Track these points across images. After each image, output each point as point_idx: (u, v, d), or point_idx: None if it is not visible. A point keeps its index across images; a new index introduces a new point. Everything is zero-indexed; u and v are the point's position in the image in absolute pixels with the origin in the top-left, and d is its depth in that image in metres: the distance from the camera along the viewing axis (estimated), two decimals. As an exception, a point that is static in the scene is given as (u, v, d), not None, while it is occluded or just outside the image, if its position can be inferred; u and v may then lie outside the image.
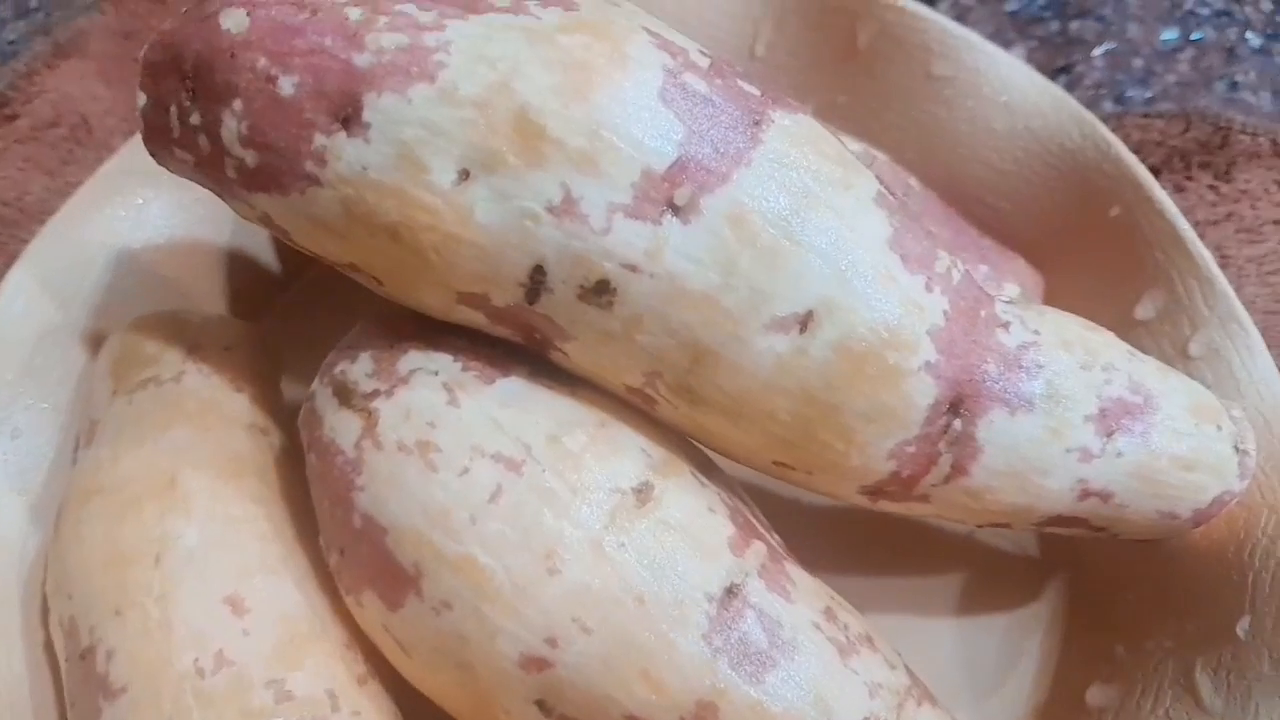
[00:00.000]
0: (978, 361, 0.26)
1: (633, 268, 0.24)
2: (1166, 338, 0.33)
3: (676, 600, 0.25)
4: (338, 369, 0.28)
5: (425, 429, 0.26)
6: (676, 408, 0.26)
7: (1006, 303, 0.28)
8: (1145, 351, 0.32)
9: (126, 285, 0.35)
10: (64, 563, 0.28)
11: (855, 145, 0.36)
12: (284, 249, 0.40)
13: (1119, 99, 0.45)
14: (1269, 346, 0.33)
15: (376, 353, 0.28)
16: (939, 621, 0.34)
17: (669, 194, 0.24)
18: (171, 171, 0.27)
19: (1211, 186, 0.42)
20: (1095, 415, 0.27)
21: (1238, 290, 0.39)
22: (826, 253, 0.24)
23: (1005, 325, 0.27)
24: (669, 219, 0.24)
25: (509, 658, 0.25)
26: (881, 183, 0.27)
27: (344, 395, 0.27)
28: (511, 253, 0.24)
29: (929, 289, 0.25)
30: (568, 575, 0.24)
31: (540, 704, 0.25)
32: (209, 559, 0.27)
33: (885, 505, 0.28)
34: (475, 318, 0.26)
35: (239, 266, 0.38)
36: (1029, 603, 0.34)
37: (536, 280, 0.25)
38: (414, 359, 0.27)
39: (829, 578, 0.28)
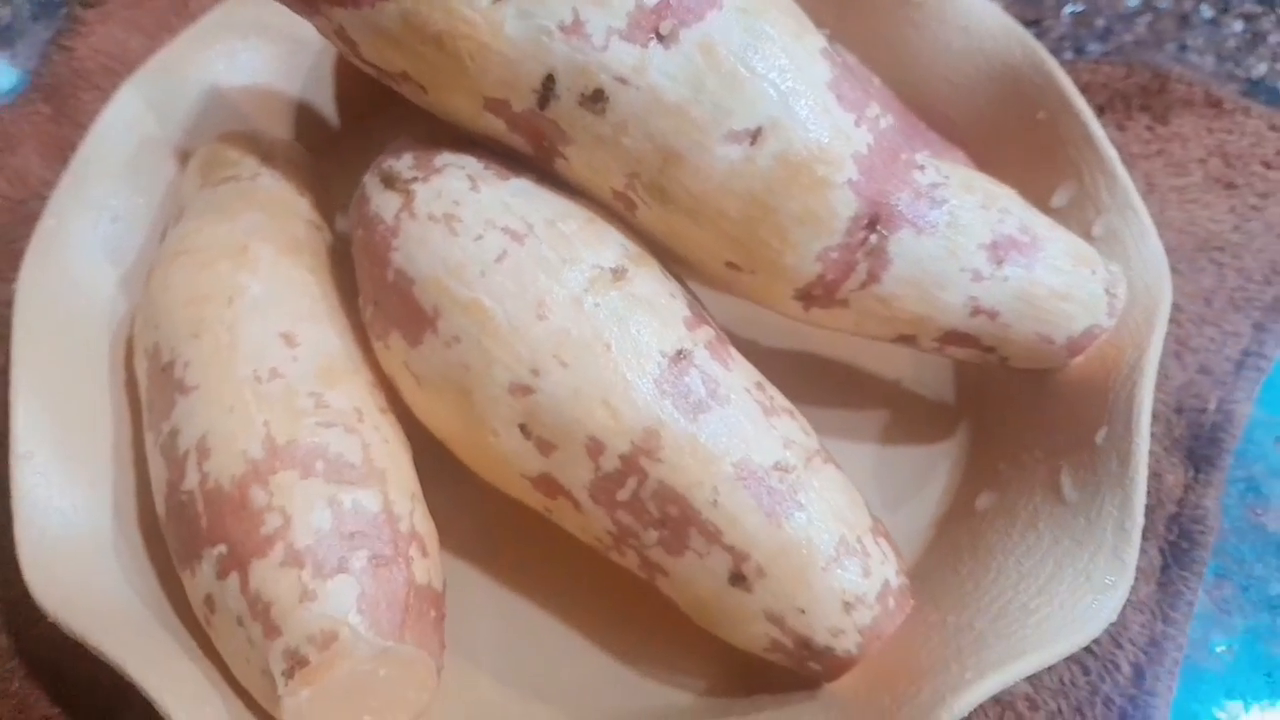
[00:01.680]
0: (894, 189, 0.32)
1: (623, 80, 0.31)
2: (1075, 221, 0.39)
3: (636, 351, 0.31)
4: (385, 163, 0.35)
5: (451, 205, 0.33)
6: (651, 208, 0.33)
7: (927, 156, 0.34)
8: (1057, 233, 0.38)
9: (214, 115, 0.43)
10: (153, 305, 0.35)
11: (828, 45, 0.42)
12: (342, 103, 0.47)
13: (1079, 50, 0.51)
14: (1179, 260, 0.39)
15: (417, 153, 0.35)
16: (862, 446, 0.40)
17: (655, 23, 0.31)
18: (268, -7, 0.34)
19: (1149, 127, 0.48)
20: (988, 245, 0.33)
21: (1160, 213, 0.45)
22: (776, 83, 0.31)
23: (921, 168, 0.33)
24: (654, 43, 0.31)
25: (501, 384, 0.31)
26: (831, 45, 0.33)
27: (389, 180, 0.34)
28: (529, 62, 0.31)
29: (857, 125, 0.32)
30: (552, 321, 0.31)
31: (522, 427, 0.32)
32: (269, 305, 0.34)
33: (816, 314, 0.34)
34: (497, 125, 0.33)
35: (305, 113, 0.45)
36: (941, 439, 0.40)
37: (547, 88, 0.31)
38: (446, 158, 0.34)
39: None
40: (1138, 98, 0.49)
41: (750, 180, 0.31)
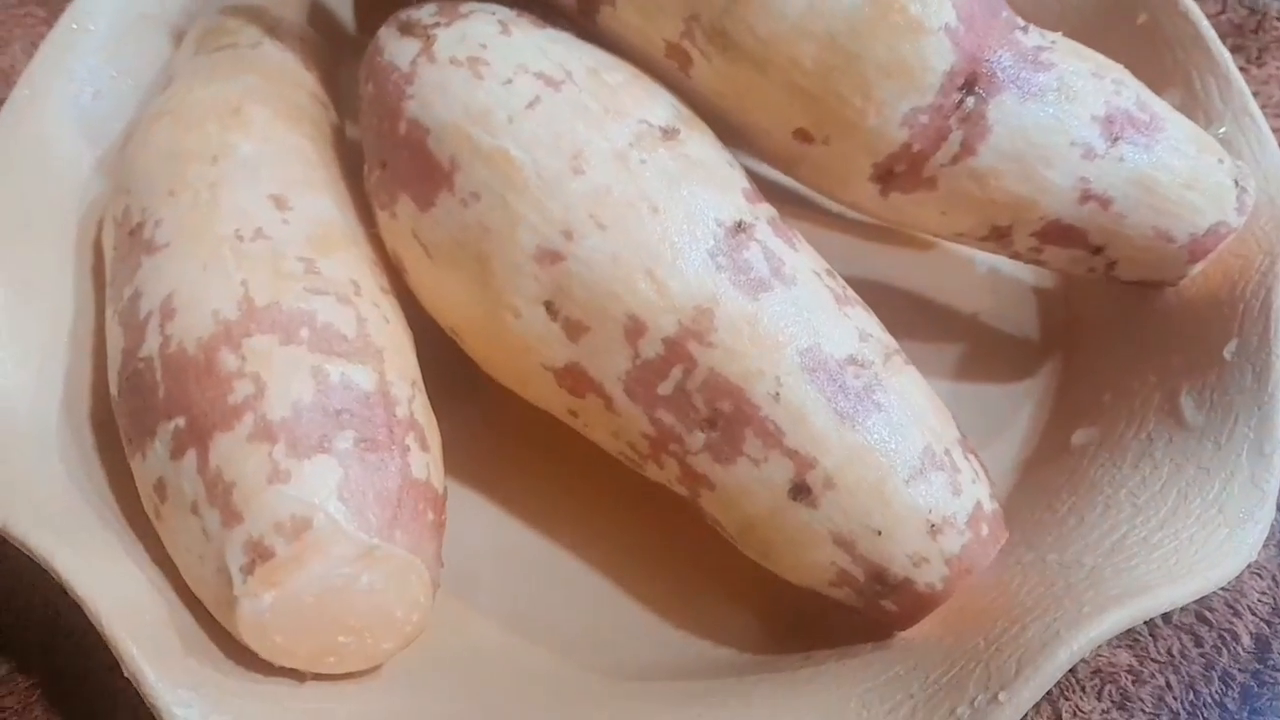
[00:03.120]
0: (995, 45, 0.28)
1: (684, -102, 0.26)
2: (1180, 132, 0.34)
3: (689, 217, 0.26)
4: (404, 13, 0.30)
5: (477, 49, 0.28)
6: (710, 60, 0.28)
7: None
8: (1162, 146, 0.33)
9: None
10: (128, 165, 0.30)
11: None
12: (359, 8, 0.42)
13: (1161, -8, 0.47)
14: None
15: (441, 2, 0.30)
16: (936, 383, 0.34)
17: None
18: None
19: (1242, 69, 0.43)
20: (1102, 118, 0.28)
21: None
22: (865, -96, 0.26)
23: (1024, 29, 0.29)
24: None
25: (526, 250, 0.26)
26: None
27: (407, 28, 0.30)
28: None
29: (955, -36, 0.27)
30: (591, 176, 0.26)
31: (548, 305, 0.27)
32: (260, 166, 0.29)
33: (895, 199, 0.29)
34: (535, -34, 0.29)
35: (316, 8, 0.41)
36: (1024, 378, 0.35)
37: (597, -89, 0.27)
38: (474, 5, 0.30)
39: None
40: (1231, 36, 0.44)
41: (830, 19, 0.27)
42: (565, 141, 0.26)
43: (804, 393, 0.26)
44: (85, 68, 0.36)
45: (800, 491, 0.26)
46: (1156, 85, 0.35)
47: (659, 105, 0.28)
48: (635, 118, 0.27)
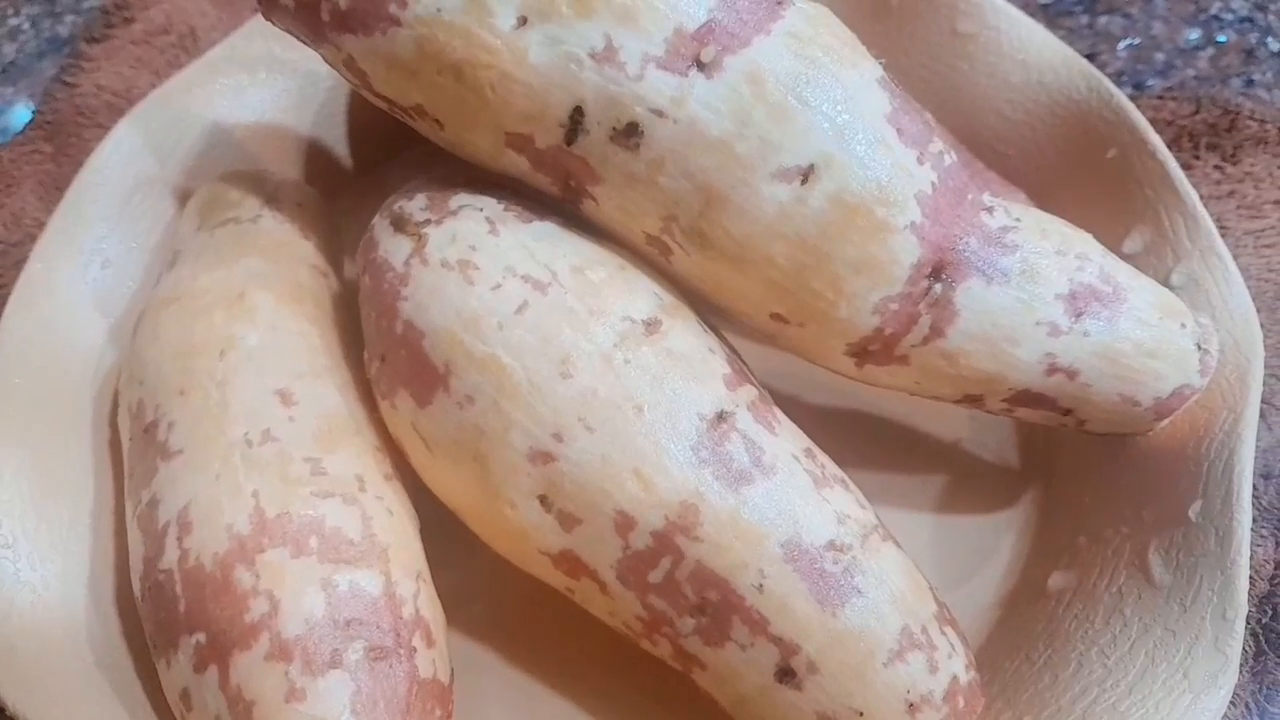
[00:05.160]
0: (960, 233, 0.29)
1: (659, 113, 0.28)
2: (1151, 269, 0.35)
3: (671, 414, 0.28)
4: (396, 205, 0.32)
5: (467, 250, 0.29)
6: (689, 254, 0.30)
7: (995, 197, 0.31)
8: (1131, 281, 0.34)
9: (217, 153, 0.40)
10: (139, 357, 0.32)
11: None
12: (355, 147, 0.44)
13: (1138, 86, 0.48)
14: (1259, 310, 0.35)
15: (431, 193, 0.32)
16: (919, 516, 0.36)
17: (696, 51, 0.28)
18: (274, 22, 0.32)
19: (1217, 167, 0.45)
20: (1066, 295, 0.29)
21: (1236, 258, 0.42)
22: (830, 115, 0.28)
23: (989, 209, 0.30)
24: (694, 73, 0.28)
25: (519, 450, 0.28)
26: (887, 74, 0.30)
27: (399, 223, 0.31)
28: (557, 92, 0.28)
29: (920, 162, 0.29)
30: (578, 380, 0.28)
31: (542, 499, 0.28)
32: (266, 358, 0.31)
33: (870, 370, 0.31)
34: (519, 163, 0.30)
35: (315, 154, 0.43)
36: (1005, 507, 0.36)
37: (576, 121, 0.28)
38: (463, 199, 0.31)
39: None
40: (1206, 135, 0.45)
41: (801, 223, 0.28)
42: (553, 347, 0.28)
43: (786, 583, 0.27)
44: (93, 238, 0.37)
45: (786, 675, 0.27)
46: (1126, 221, 0.36)
47: (641, 298, 0.29)
48: (619, 315, 0.29)
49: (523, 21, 0.28)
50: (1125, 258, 0.36)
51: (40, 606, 0.30)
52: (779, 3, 0.28)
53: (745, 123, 0.28)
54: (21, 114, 0.50)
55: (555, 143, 0.29)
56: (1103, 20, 0.50)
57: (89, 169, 0.37)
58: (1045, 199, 0.39)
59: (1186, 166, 0.45)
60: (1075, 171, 0.38)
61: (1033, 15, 0.50)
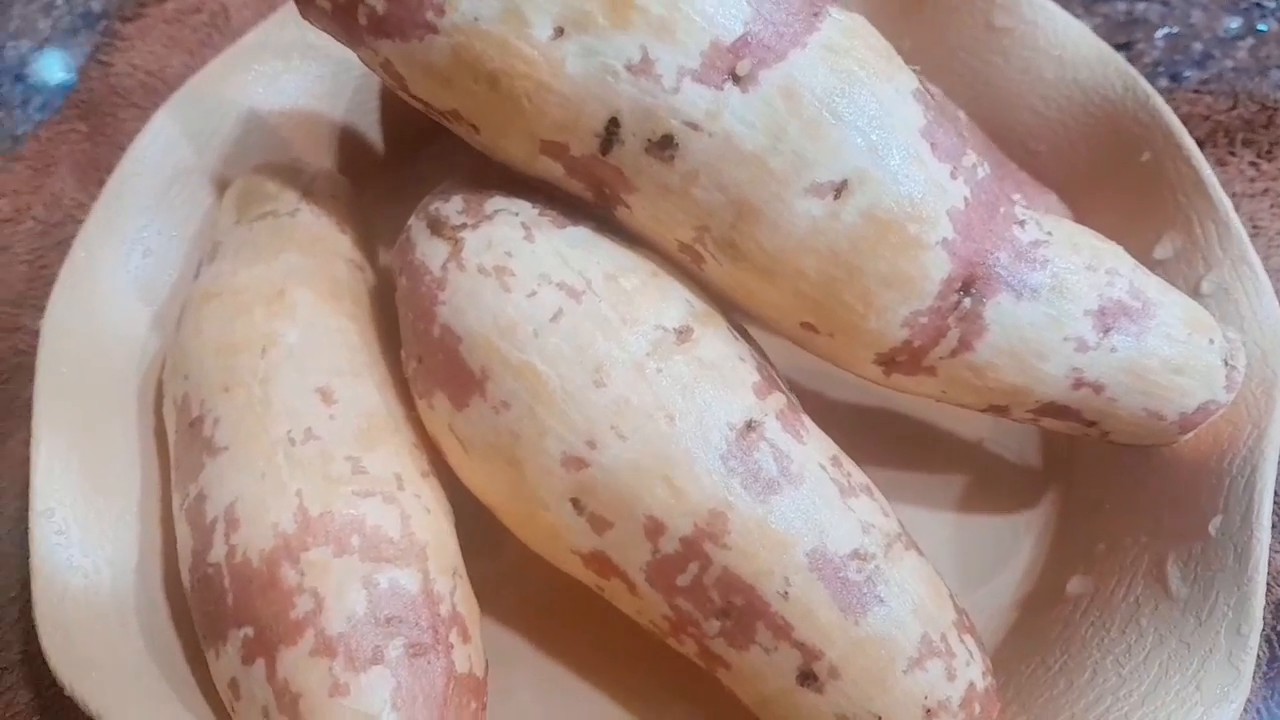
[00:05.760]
0: (991, 248, 0.29)
1: (694, 125, 0.28)
2: (1181, 276, 0.35)
3: (701, 423, 0.28)
4: (432, 206, 0.32)
5: (503, 257, 0.30)
6: (720, 264, 0.30)
7: (1028, 209, 0.31)
8: (1160, 287, 0.34)
9: (252, 141, 0.40)
10: (183, 351, 0.33)
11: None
12: (389, 133, 0.44)
13: (1174, 78, 0.47)
14: None
15: (467, 195, 0.32)
16: (941, 515, 0.37)
17: (732, 64, 0.28)
18: (310, 20, 0.32)
19: (1253, 163, 0.44)
20: (1095, 311, 0.30)
21: (1266, 260, 0.42)
22: (864, 130, 0.28)
23: (1021, 223, 0.30)
24: (730, 86, 0.28)
25: (553, 456, 0.29)
26: (923, 84, 0.30)
27: (436, 226, 0.32)
28: (592, 104, 0.28)
29: (953, 176, 0.29)
30: (611, 389, 0.28)
31: (575, 501, 0.29)
32: (306, 356, 0.32)
33: (897, 379, 0.31)
34: (554, 169, 0.30)
35: (349, 141, 0.43)
36: (1026, 508, 0.37)
37: (611, 131, 0.29)
38: (498, 202, 0.31)
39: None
40: (1242, 131, 0.45)
41: (833, 238, 0.28)
42: (587, 355, 0.29)
43: (811, 591, 0.28)
44: (134, 227, 0.38)
45: (808, 678, 0.28)
46: (1157, 227, 0.36)
47: (673, 306, 0.30)
48: (651, 324, 0.29)
49: (559, 32, 0.28)
50: (1156, 263, 0.36)
51: (92, 591, 0.31)
52: (815, 14, 0.28)
53: (779, 137, 0.28)
54: (57, 77, 0.50)
55: (590, 152, 0.29)
56: (1140, 7, 0.50)
57: (129, 158, 0.38)
58: (1076, 199, 0.39)
59: (1221, 163, 0.44)
60: (1108, 173, 0.38)
61: (1069, 2, 0.50)
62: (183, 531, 0.30)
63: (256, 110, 0.41)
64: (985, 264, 0.29)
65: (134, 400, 0.36)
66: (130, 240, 0.38)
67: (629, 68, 0.28)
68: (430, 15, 0.29)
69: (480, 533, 0.32)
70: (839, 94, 0.28)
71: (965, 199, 0.29)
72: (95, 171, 0.46)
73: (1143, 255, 0.36)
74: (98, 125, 0.47)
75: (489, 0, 0.28)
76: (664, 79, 0.28)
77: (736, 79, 0.28)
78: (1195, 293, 0.35)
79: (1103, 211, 0.38)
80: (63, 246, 0.43)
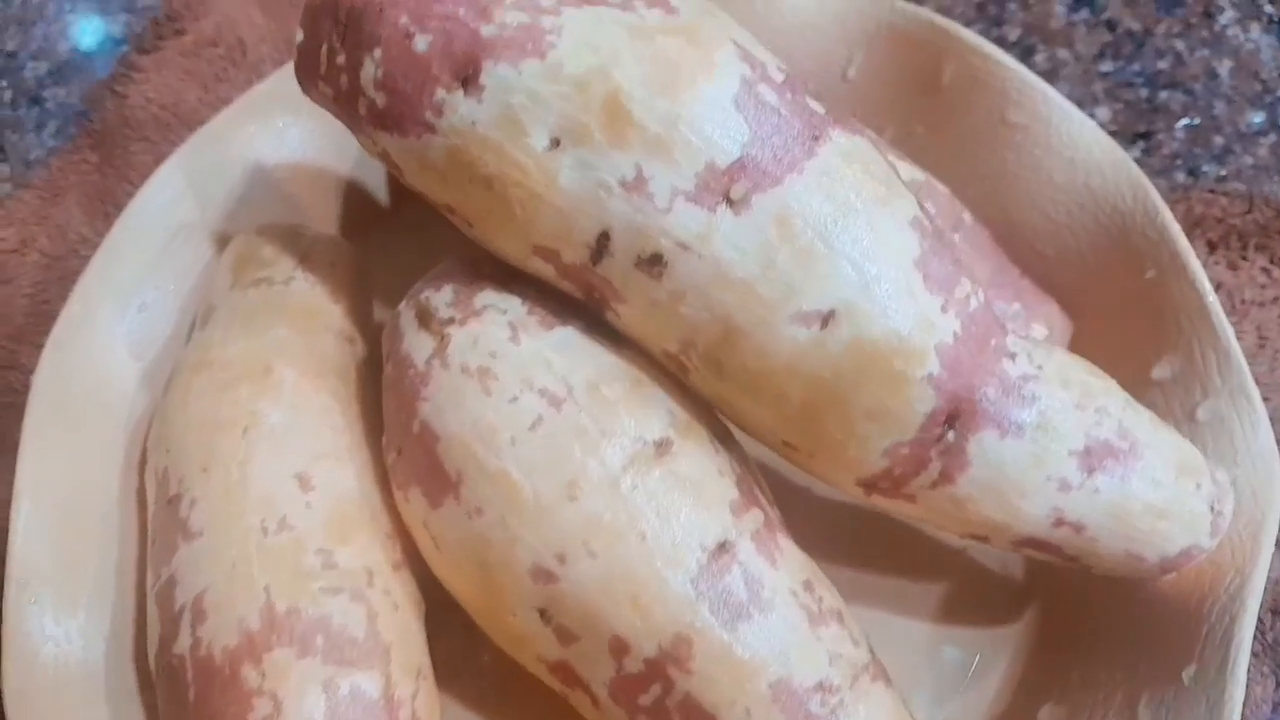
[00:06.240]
0: (979, 383, 0.29)
1: (685, 246, 0.28)
2: (1178, 400, 0.35)
3: (674, 544, 0.28)
4: (423, 295, 0.32)
5: (487, 358, 0.30)
6: (705, 378, 0.30)
7: (1022, 338, 0.30)
8: (1155, 410, 0.34)
9: (257, 196, 0.40)
10: (167, 423, 0.33)
11: (919, 175, 0.38)
12: (394, 187, 0.44)
13: (1192, 172, 0.47)
14: None
15: (457, 286, 0.32)
16: (916, 623, 0.36)
17: (726, 187, 0.27)
18: (313, 100, 0.32)
19: (1265, 269, 0.43)
20: (1080, 451, 0.29)
21: (1270, 374, 0.41)
22: (856, 261, 0.27)
23: (1012, 356, 0.30)
24: (723, 209, 0.27)
25: (523, 565, 0.28)
26: (923, 209, 0.29)
27: (424, 318, 0.31)
28: (584, 217, 0.28)
29: (944, 310, 0.28)
30: (584, 504, 0.28)
31: (542, 612, 0.29)
32: (288, 438, 0.32)
33: (878, 500, 0.31)
34: (545, 270, 0.30)
35: (354, 195, 0.43)
36: (1004, 624, 0.36)
37: (602, 245, 0.28)
38: (488, 297, 0.31)
39: (822, 563, 0.31)
40: (1256, 236, 0.44)
41: (817, 365, 0.28)
42: (563, 467, 0.28)
43: (771, 721, 0.28)
44: (131, 280, 0.38)
45: (764, 808, 0.28)
46: (1157, 346, 0.36)
47: (654, 417, 0.30)
48: (631, 436, 0.29)
49: (555, 144, 0.28)
50: (1153, 383, 0.36)
51: (62, 660, 0.32)
52: (815, 139, 0.28)
53: (769, 264, 0.27)
54: (73, 103, 0.50)
55: (581, 261, 0.29)
56: (1163, 95, 0.49)
57: (131, 211, 0.38)
58: (1079, 308, 0.38)
59: (1232, 267, 0.44)
60: (1112, 285, 0.37)
61: (1090, 83, 0.49)
62: (152, 614, 0.30)
63: (262, 164, 0.41)
64: (972, 399, 0.29)
65: (120, 459, 0.36)
66: (127, 294, 0.38)
67: (623, 184, 0.27)
68: (429, 115, 0.28)
69: (451, 610, 0.32)
70: (832, 222, 0.27)
71: (955, 334, 0.28)
72: (102, 204, 0.46)
73: (1141, 374, 0.36)
74: (108, 156, 0.48)
75: (487, 106, 0.28)
76: (657, 198, 0.27)
77: (730, 202, 0.28)
78: (1190, 419, 0.34)
79: (1104, 324, 0.37)
80: (65, 281, 0.44)
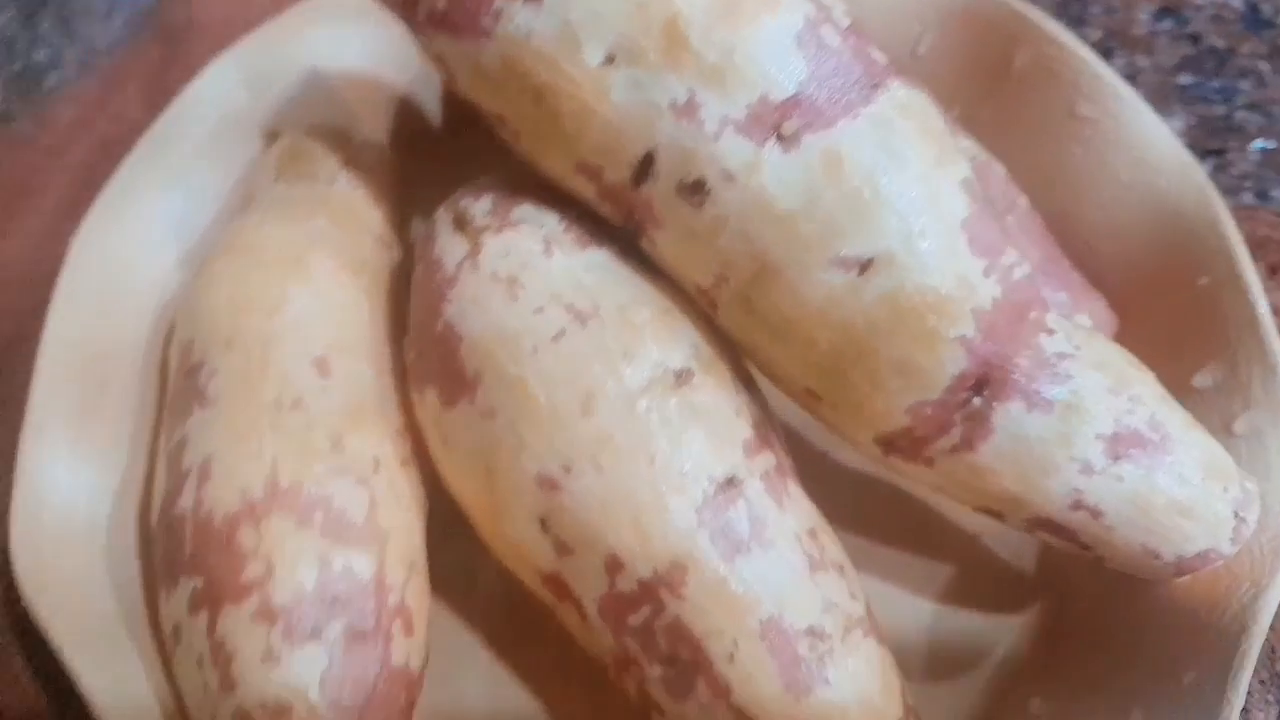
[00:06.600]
0: (1012, 353, 0.28)
1: (729, 176, 0.27)
2: (1216, 410, 0.34)
3: (682, 472, 0.28)
4: (462, 202, 0.32)
5: (518, 267, 0.30)
6: (734, 315, 0.29)
7: (1063, 318, 0.30)
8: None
9: (311, 98, 0.41)
10: (197, 298, 0.33)
11: (980, 153, 0.38)
12: (447, 111, 0.44)
13: (1261, 195, 0.45)
14: None
15: (497, 197, 0.32)
16: (920, 601, 0.36)
17: (778, 122, 0.27)
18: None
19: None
20: (1108, 436, 0.28)
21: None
22: (902, 212, 0.27)
23: (1050, 332, 0.29)
24: (771, 143, 0.27)
25: (529, 472, 0.28)
26: (976, 176, 0.29)
27: (460, 223, 0.31)
28: (631, 136, 0.28)
29: (986, 274, 0.28)
30: (597, 419, 0.28)
31: (542, 521, 0.29)
32: (312, 325, 0.32)
33: (895, 462, 0.30)
34: (587, 189, 0.30)
35: (406, 112, 0.43)
36: (1007, 614, 0.35)
37: (645, 166, 0.28)
38: (526, 211, 0.31)
39: (835, 530, 0.31)
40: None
41: (849, 313, 0.28)
42: (580, 381, 0.28)
43: (757, 659, 0.27)
44: (178, 163, 0.38)
45: (737, 745, 0.28)
46: (1202, 354, 0.35)
47: (678, 347, 0.29)
48: (652, 360, 0.29)
49: (610, 61, 0.28)
50: (1194, 391, 0.35)
51: (67, 510, 0.32)
52: (875, 86, 0.28)
53: (813, 204, 0.27)
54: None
55: (623, 181, 0.29)
56: (1240, 114, 0.48)
57: (184, 98, 0.38)
58: (1127, 307, 0.37)
59: (1290, 293, 0.42)
60: (1163, 287, 0.36)
61: (1167, 94, 0.48)
62: (160, 473, 0.31)
63: (320, 69, 0.41)
64: (1003, 367, 0.28)
65: (147, 330, 0.36)
66: (173, 176, 0.38)
67: (673, 107, 0.27)
68: (487, 21, 0.28)
69: (455, 520, 0.32)
70: (882, 171, 0.27)
71: (994, 299, 0.28)
72: (163, 97, 0.46)
73: (1182, 380, 0.35)
74: (172, 53, 0.48)
75: (545, 18, 0.28)
76: (706, 124, 0.27)
77: (780, 137, 0.27)
78: (1227, 430, 0.33)
79: (1149, 326, 0.36)
80: (117, 165, 0.44)
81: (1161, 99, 0.48)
